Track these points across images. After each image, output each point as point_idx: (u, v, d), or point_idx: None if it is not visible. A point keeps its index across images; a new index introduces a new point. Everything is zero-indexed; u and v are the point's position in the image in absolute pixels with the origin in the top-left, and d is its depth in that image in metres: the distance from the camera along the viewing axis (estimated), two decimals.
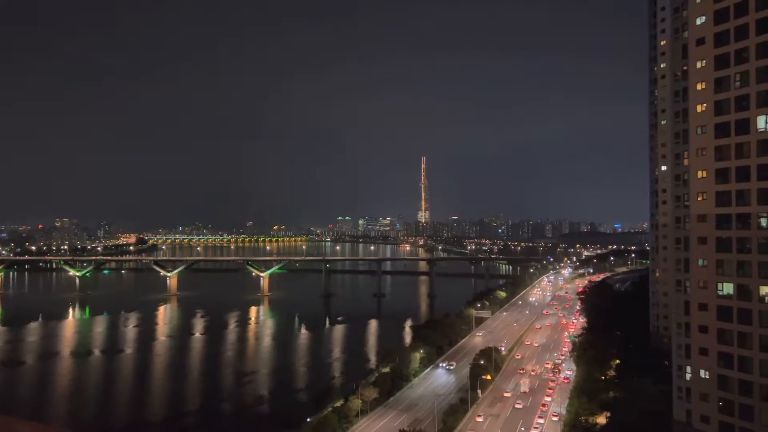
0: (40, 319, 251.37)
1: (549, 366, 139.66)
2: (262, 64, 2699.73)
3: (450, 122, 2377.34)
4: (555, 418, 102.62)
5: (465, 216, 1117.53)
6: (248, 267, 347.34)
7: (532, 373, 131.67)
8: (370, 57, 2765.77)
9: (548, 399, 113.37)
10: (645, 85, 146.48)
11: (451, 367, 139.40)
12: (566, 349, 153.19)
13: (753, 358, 69.94)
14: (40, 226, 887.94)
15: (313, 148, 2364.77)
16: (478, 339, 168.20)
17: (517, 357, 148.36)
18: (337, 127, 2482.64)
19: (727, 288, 73.48)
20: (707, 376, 75.01)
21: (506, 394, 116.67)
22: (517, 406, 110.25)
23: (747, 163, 71.49)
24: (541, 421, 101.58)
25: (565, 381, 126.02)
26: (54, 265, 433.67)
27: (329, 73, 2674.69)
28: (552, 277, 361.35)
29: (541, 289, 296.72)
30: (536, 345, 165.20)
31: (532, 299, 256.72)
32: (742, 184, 71.96)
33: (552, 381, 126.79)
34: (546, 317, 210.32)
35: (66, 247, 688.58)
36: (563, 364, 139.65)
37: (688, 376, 79.06)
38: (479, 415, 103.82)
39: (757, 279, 70.15)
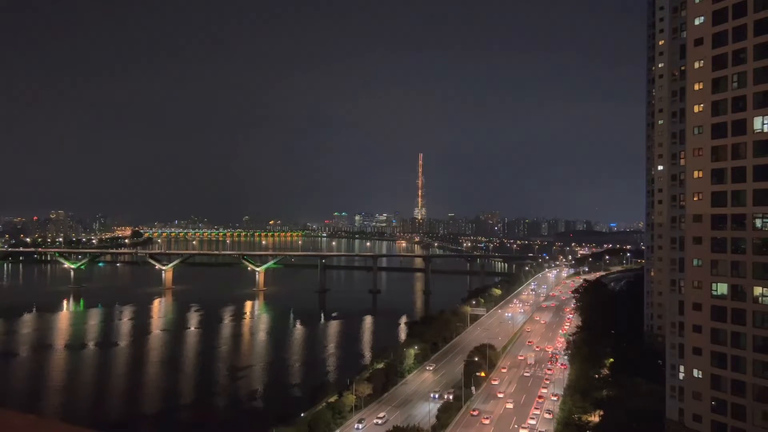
0: (34, 311, 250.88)
1: (549, 349, 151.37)
2: (262, 58, 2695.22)
3: (448, 119, 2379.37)
4: (554, 398, 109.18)
5: (461, 213, 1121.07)
6: (244, 261, 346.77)
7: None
8: (369, 53, 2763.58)
9: (544, 391, 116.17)
10: (644, 84, 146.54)
11: (380, 422, 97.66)
12: (560, 345, 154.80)
13: (746, 358, 70.30)
14: (35, 217, 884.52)
15: (310, 143, 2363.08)
16: (428, 374, 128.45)
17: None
18: (334, 123, 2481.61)
19: (722, 288, 73.78)
20: (700, 376, 75.38)
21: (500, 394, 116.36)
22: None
23: (743, 164, 71.70)
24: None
25: (563, 366, 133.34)
26: (49, 257, 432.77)
27: (328, 68, 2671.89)
28: (533, 287, 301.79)
29: (520, 301, 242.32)
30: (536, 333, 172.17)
31: (507, 314, 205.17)
32: (737, 185, 72.20)
33: (549, 370, 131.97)
34: (539, 317, 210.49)
35: (61, 239, 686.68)
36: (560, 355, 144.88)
37: (681, 376, 79.43)
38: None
39: (751, 280, 70.45)
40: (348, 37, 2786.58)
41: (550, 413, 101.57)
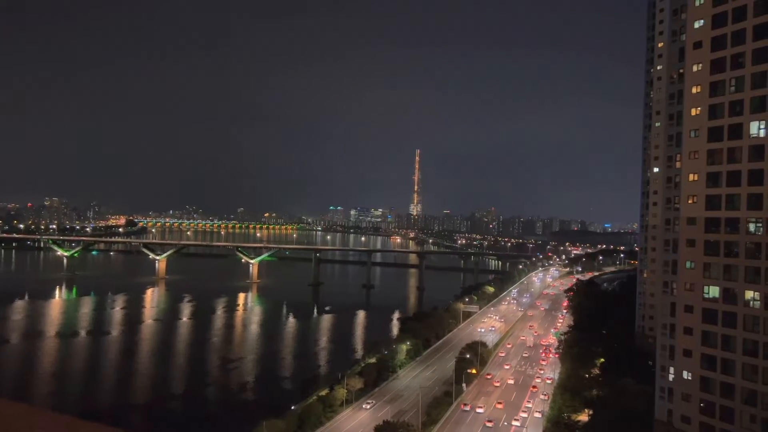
0: (26, 297, 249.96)
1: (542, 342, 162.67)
2: (261, 52, 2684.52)
3: (446, 116, 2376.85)
4: (549, 381, 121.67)
5: (456, 210, 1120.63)
6: (238, 253, 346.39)
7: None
8: (368, 49, 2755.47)
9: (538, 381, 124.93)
10: (642, 86, 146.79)
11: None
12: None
13: (736, 361, 70.71)
14: (29, 204, 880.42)
15: (307, 137, 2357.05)
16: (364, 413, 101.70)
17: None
18: (333, 117, 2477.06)
19: (713, 291, 74.13)
20: (690, 378, 75.80)
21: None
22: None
23: (738, 168, 71.92)
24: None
25: (556, 355, 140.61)
26: (42, 244, 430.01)
27: (327, 63, 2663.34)
28: (514, 294, 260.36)
29: (498, 313, 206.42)
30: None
31: (480, 329, 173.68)
32: (732, 189, 72.45)
33: (543, 360, 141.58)
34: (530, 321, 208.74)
35: (55, 226, 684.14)
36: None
37: (671, 377, 79.82)
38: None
39: (743, 283, 70.79)
40: (347, 33, 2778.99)
41: (545, 395, 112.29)
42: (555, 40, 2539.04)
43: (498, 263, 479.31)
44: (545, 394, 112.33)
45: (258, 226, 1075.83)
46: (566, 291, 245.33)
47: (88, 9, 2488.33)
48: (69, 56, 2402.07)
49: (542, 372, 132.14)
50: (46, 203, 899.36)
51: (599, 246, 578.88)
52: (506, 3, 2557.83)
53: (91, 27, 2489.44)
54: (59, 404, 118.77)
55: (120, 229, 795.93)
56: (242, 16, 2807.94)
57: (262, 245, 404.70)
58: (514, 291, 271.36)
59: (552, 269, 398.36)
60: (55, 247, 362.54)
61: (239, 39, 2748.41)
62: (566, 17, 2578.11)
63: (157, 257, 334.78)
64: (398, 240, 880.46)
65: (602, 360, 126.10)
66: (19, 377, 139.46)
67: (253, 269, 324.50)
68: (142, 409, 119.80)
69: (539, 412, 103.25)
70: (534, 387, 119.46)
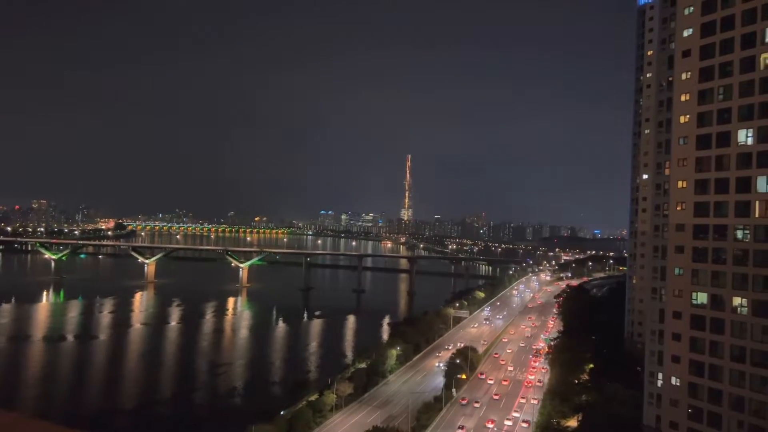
0: (12, 301, 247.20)
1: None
2: (253, 55, 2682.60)
3: (437, 121, 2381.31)
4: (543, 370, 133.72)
5: (447, 215, 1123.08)
6: (228, 257, 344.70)
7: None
8: (358, 51, 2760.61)
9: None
10: (632, 92, 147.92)
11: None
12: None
13: (723, 367, 71.25)
14: (17, 206, 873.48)
15: (298, 142, 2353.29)
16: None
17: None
18: (324, 121, 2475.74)
19: (702, 297, 74.70)
20: (678, 383, 76.27)
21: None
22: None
23: (726, 176, 72.66)
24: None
25: (549, 351, 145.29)
26: (29, 247, 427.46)
27: (318, 67, 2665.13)
28: (486, 313, 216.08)
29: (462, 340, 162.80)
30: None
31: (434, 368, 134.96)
32: (720, 196, 73.15)
33: (534, 361, 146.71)
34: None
35: (42, 229, 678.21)
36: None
37: (659, 383, 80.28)
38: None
39: (730, 290, 71.40)
40: (336, 37, 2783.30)
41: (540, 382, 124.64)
42: (545, 45, 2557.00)
43: (488, 268, 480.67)
44: (540, 381, 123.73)
45: (248, 230, 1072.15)
46: (556, 297, 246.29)
47: (80, 13, 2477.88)
48: (59, 57, 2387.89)
49: (535, 366, 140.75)
50: (33, 206, 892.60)
51: (589, 252, 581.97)
52: (498, 6, 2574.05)
53: (84, 28, 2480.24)
54: (46, 410, 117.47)
55: (109, 233, 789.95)
56: (233, 21, 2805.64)
57: (252, 249, 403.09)
58: (486, 309, 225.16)
59: (534, 280, 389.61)
60: (43, 250, 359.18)
61: (229, 44, 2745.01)
62: (559, 21, 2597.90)
63: (146, 261, 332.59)
64: (389, 245, 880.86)
65: (591, 365, 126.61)
66: (5, 383, 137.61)
67: (243, 273, 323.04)
68: (130, 414, 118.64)
69: (535, 398, 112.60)
70: (528, 382, 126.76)
